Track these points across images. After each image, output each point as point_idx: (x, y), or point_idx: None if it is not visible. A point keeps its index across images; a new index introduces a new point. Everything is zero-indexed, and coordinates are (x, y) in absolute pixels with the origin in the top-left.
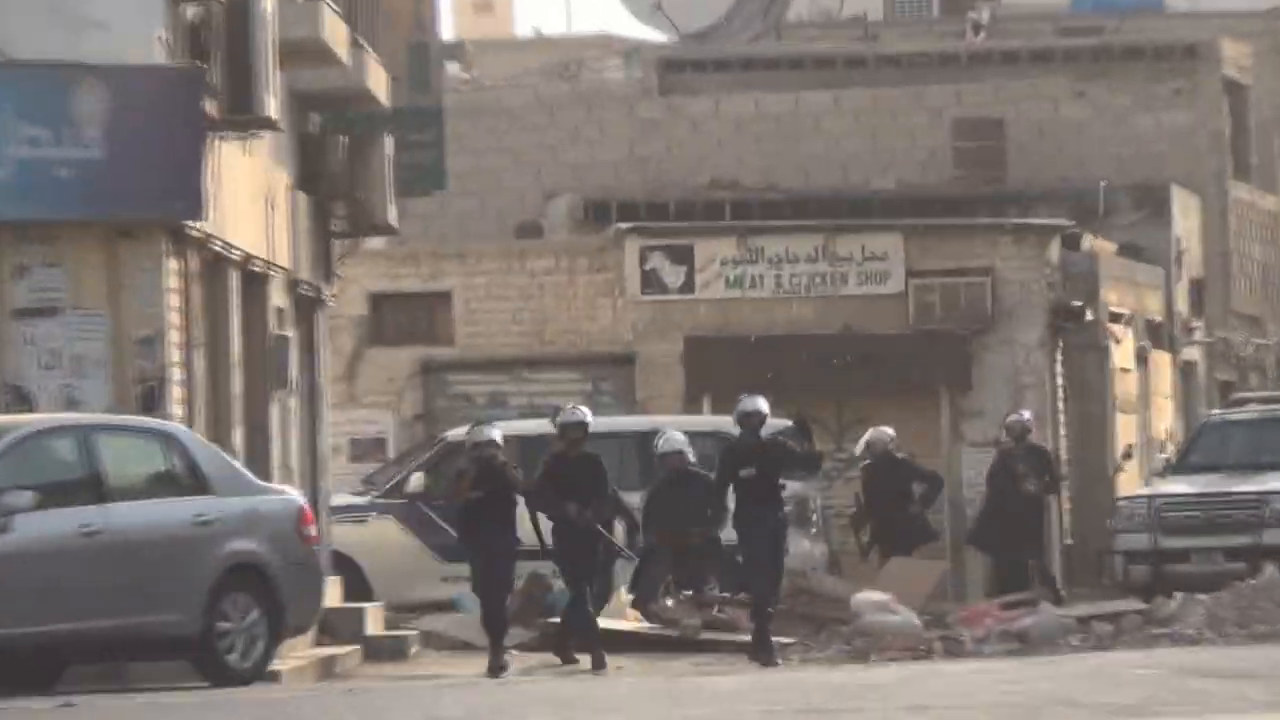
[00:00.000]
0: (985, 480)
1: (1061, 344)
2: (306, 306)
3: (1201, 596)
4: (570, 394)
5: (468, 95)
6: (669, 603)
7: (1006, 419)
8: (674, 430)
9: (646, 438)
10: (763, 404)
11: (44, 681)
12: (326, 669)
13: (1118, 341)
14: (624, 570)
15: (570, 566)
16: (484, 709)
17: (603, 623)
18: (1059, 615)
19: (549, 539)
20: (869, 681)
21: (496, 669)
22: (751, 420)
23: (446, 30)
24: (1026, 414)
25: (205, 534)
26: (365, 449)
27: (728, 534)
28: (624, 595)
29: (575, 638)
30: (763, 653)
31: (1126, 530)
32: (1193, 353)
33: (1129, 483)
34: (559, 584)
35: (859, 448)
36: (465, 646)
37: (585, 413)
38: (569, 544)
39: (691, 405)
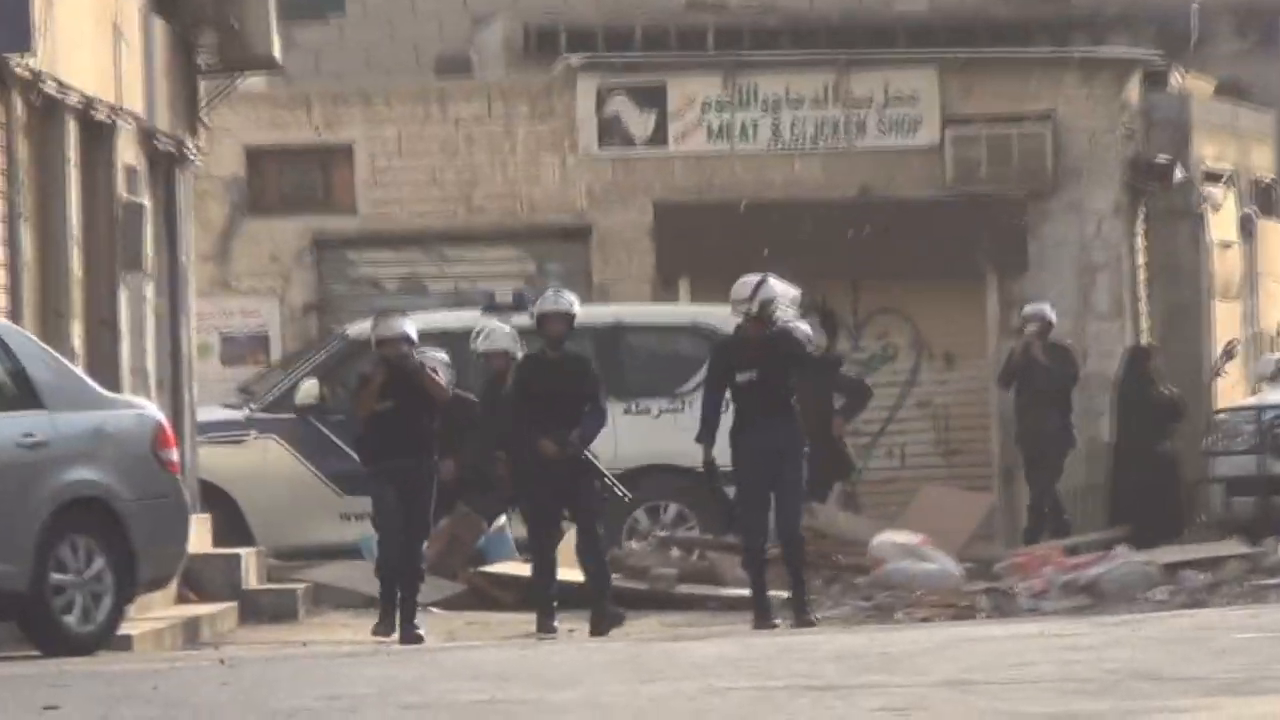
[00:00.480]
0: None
1: (1143, 211)
2: (166, 165)
3: None
4: (507, 276)
5: None
6: (634, 546)
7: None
8: (498, 323)
9: (607, 334)
10: (775, 286)
11: None
12: (191, 633)
13: (1216, 208)
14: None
15: (541, 515)
16: (398, 684)
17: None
18: (1140, 561)
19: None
20: (894, 648)
21: (385, 628)
22: (763, 309)
23: None
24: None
25: (34, 460)
26: (242, 349)
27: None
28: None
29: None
30: (801, 612)
31: (1227, 452)
32: None
33: (1231, 391)
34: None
35: None
36: (370, 604)
37: (570, 299)
38: (543, 483)
39: (664, 291)
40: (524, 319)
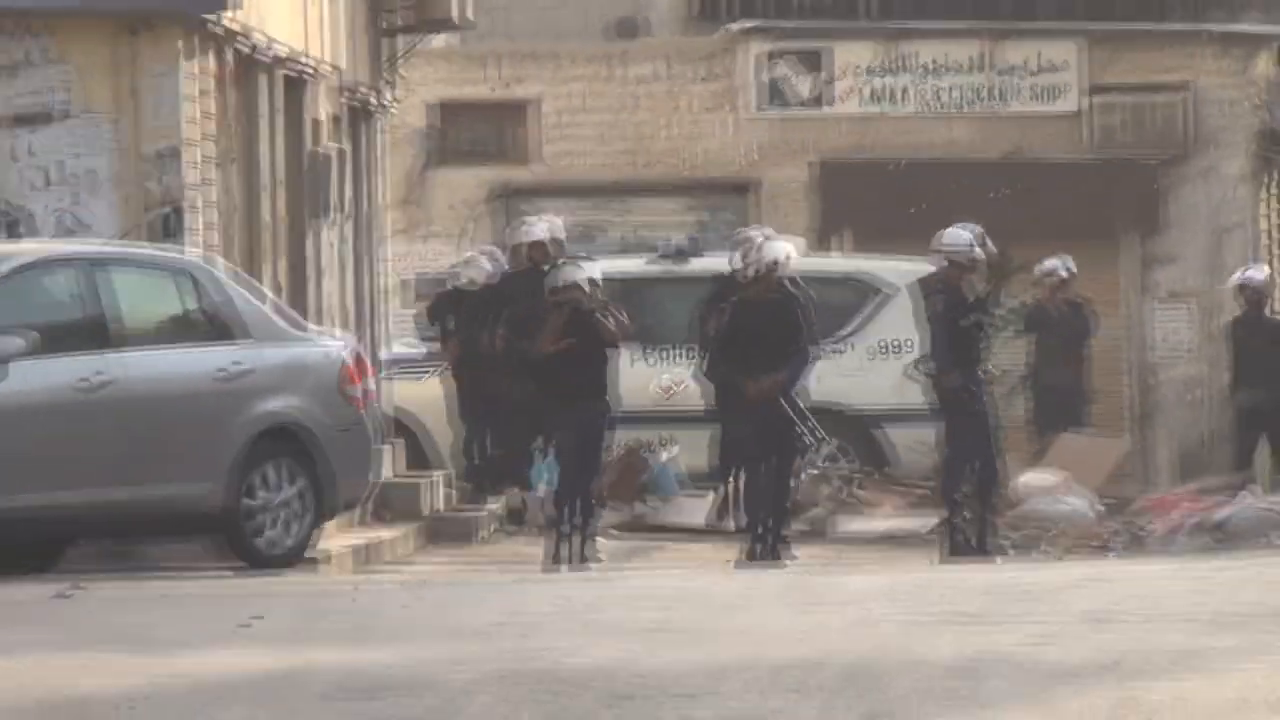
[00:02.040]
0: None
1: (1273, 177)
2: (358, 117)
3: None
4: (676, 226)
5: None
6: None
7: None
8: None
9: None
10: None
11: (41, 562)
12: (379, 554)
13: None
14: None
15: (736, 446)
16: (576, 605)
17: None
18: (1266, 505)
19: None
20: (1034, 583)
21: (557, 557)
22: (961, 255)
23: None
24: (1257, 271)
25: (233, 390)
26: (429, 289)
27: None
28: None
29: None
30: (983, 550)
31: None
32: None
33: None
34: (664, 455)
35: None
36: (545, 529)
37: (782, 247)
38: (742, 417)
39: (823, 243)
40: (695, 265)
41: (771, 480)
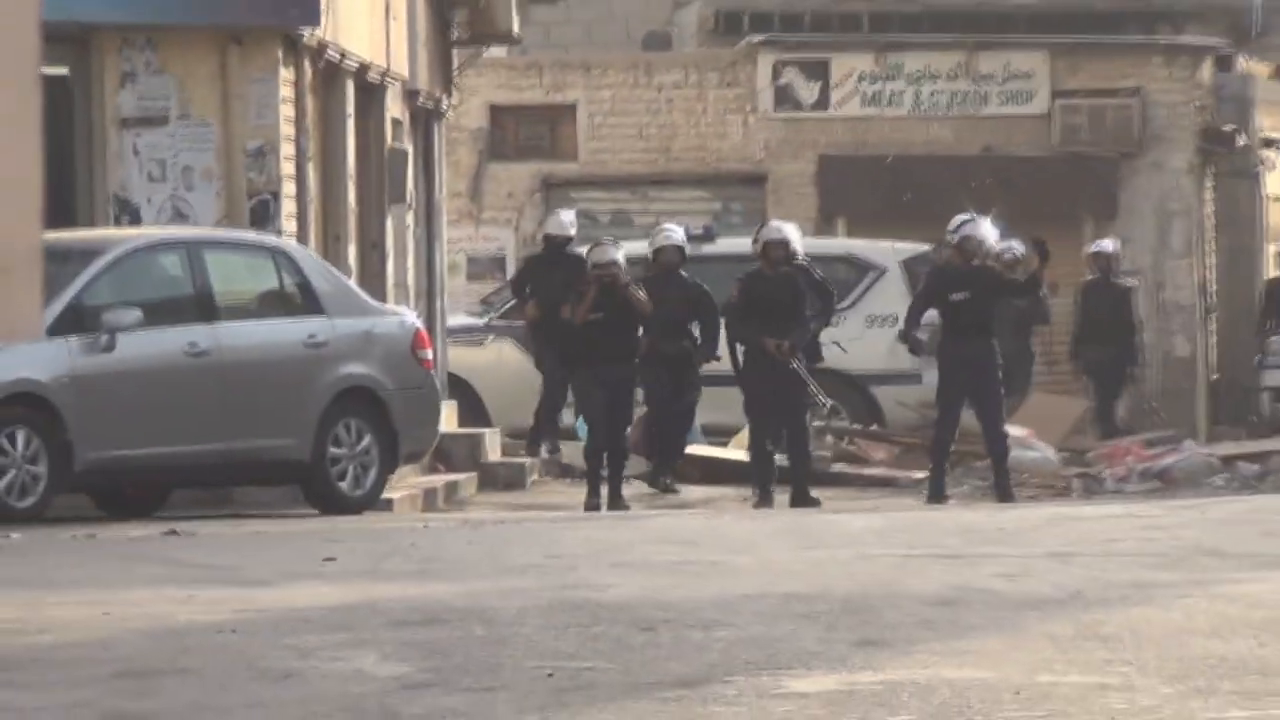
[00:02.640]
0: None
1: (1212, 170)
2: (424, 118)
3: None
4: (699, 214)
5: None
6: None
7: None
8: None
9: None
10: (989, 228)
11: (147, 507)
12: (442, 497)
13: (1271, 168)
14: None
15: (757, 401)
16: (608, 545)
17: (724, 454)
18: (1204, 454)
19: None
20: (1006, 524)
21: (592, 506)
22: (969, 245)
23: None
24: (1109, 242)
25: (317, 356)
26: (484, 268)
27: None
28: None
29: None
30: (1004, 494)
31: (1274, 366)
32: None
33: None
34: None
35: None
36: (584, 476)
37: (789, 229)
38: (760, 375)
39: (825, 227)
40: (717, 246)
41: (793, 434)
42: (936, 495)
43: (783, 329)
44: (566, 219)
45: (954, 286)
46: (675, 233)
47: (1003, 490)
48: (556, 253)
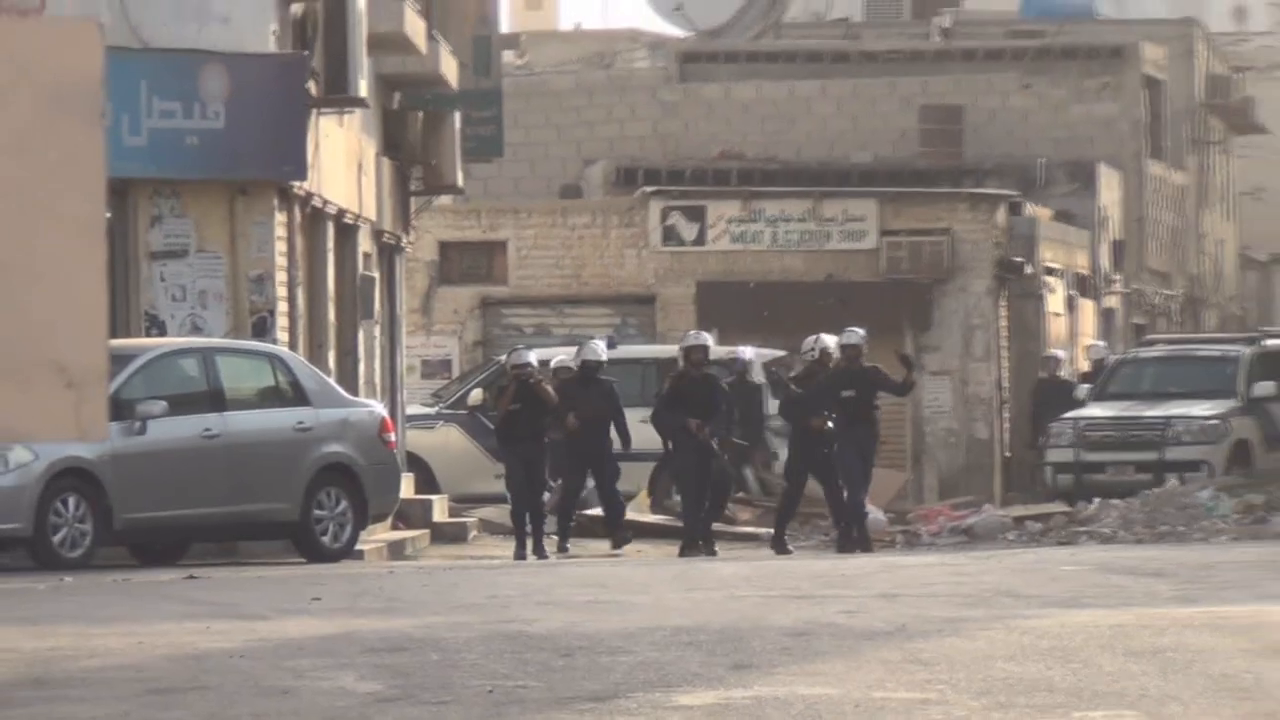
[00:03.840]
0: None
1: (1005, 292)
2: (388, 252)
3: (1115, 501)
4: (602, 327)
5: (521, 79)
6: (678, 498)
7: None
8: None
9: (665, 364)
10: (859, 334)
11: (171, 557)
12: (401, 549)
13: (1051, 291)
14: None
15: (686, 474)
16: (534, 588)
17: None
18: (999, 515)
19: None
20: (846, 571)
21: (520, 556)
22: (851, 351)
23: (504, 24)
24: (1060, 351)
25: (304, 438)
26: (434, 369)
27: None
28: (644, 492)
29: (698, 537)
30: (853, 545)
31: (1055, 446)
32: (1113, 301)
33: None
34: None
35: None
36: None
37: (707, 337)
38: (687, 455)
39: None
40: (615, 353)
41: (715, 496)
42: (846, 547)
43: (703, 416)
44: (599, 347)
45: (845, 385)
46: (599, 345)
47: (864, 542)
48: (590, 375)
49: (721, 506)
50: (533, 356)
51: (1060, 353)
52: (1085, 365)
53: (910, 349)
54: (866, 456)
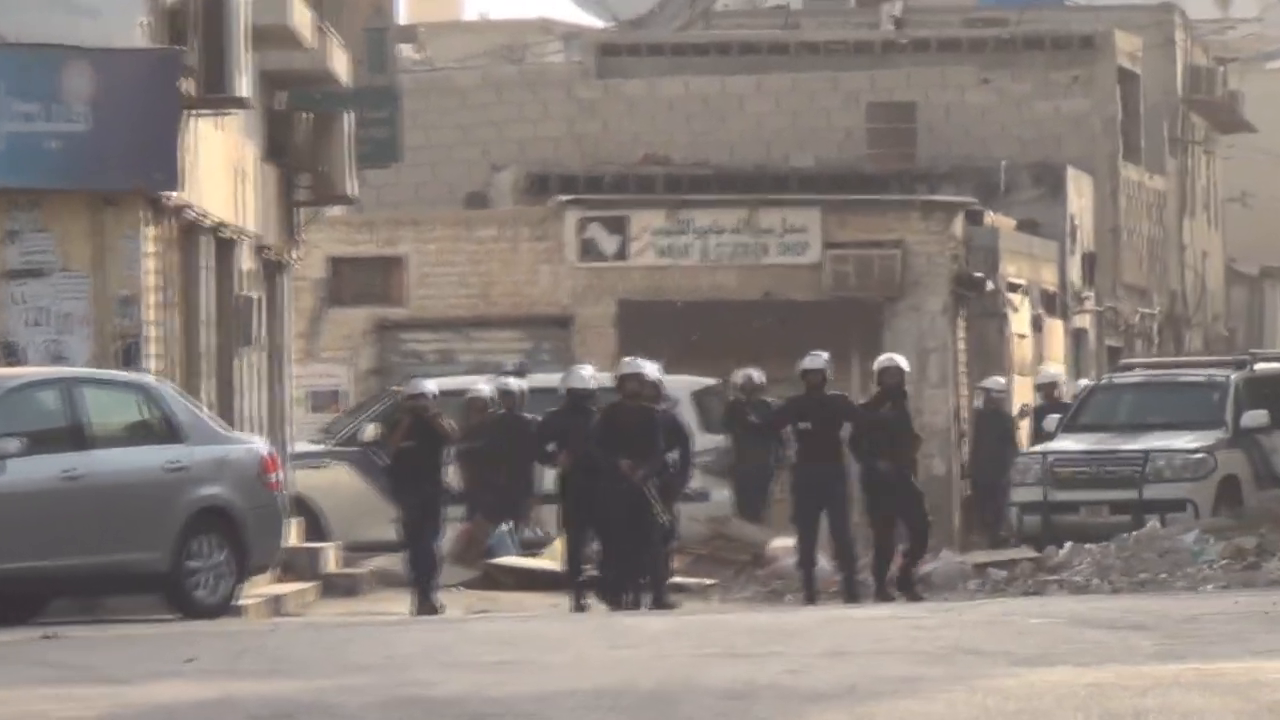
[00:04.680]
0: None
1: (964, 311)
2: (272, 269)
3: (1089, 546)
4: (513, 352)
5: (421, 75)
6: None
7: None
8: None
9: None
10: (822, 358)
11: (27, 613)
12: (286, 604)
13: (1015, 309)
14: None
15: (608, 525)
16: (437, 647)
17: (531, 564)
18: (959, 561)
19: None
20: (787, 625)
21: (425, 610)
22: (813, 377)
23: (401, 15)
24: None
25: (177, 479)
26: (324, 401)
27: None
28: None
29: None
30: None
31: (1021, 484)
32: (1084, 320)
33: (1023, 440)
34: (502, 527)
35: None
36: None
37: (645, 364)
38: (616, 501)
39: None
40: (524, 383)
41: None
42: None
43: (638, 455)
44: (586, 374)
45: (803, 415)
46: (585, 371)
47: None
48: (579, 405)
49: (665, 561)
50: (431, 386)
51: (998, 381)
52: (1030, 397)
53: (857, 377)
54: (831, 502)
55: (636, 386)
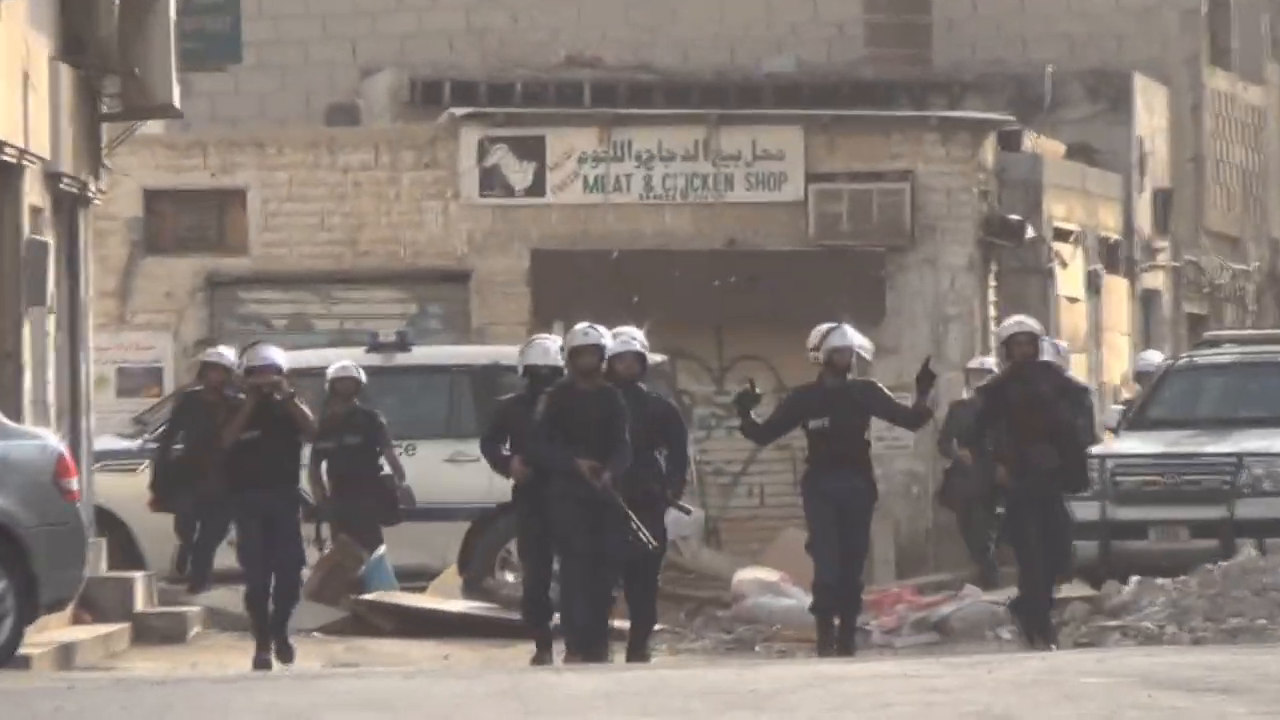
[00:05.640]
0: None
1: (995, 267)
2: (69, 205)
3: (1162, 581)
4: (390, 318)
5: None
6: (509, 577)
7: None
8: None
9: (483, 374)
10: (853, 335)
11: None
12: (88, 652)
13: (1064, 264)
14: None
15: (570, 546)
16: (290, 712)
17: (424, 602)
18: (988, 600)
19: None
20: (758, 685)
21: (262, 663)
22: (841, 358)
23: None
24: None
25: None
26: (138, 381)
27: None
28: (452, 568)
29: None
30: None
31: (1073, 497)
32: (1155, 279)
33: None
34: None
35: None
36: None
37: (602, 333)
38: (573, 513)
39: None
40: (408, 358)
41: (609, 580)
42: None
43: (598, 454)
44: (552, 347)
45: (816, 410)
46: (635, 340)
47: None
48: (541, 389)
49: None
50: (279, 357)
51: (986, 363)
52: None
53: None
54: (856, 518)
55: (593, 362)
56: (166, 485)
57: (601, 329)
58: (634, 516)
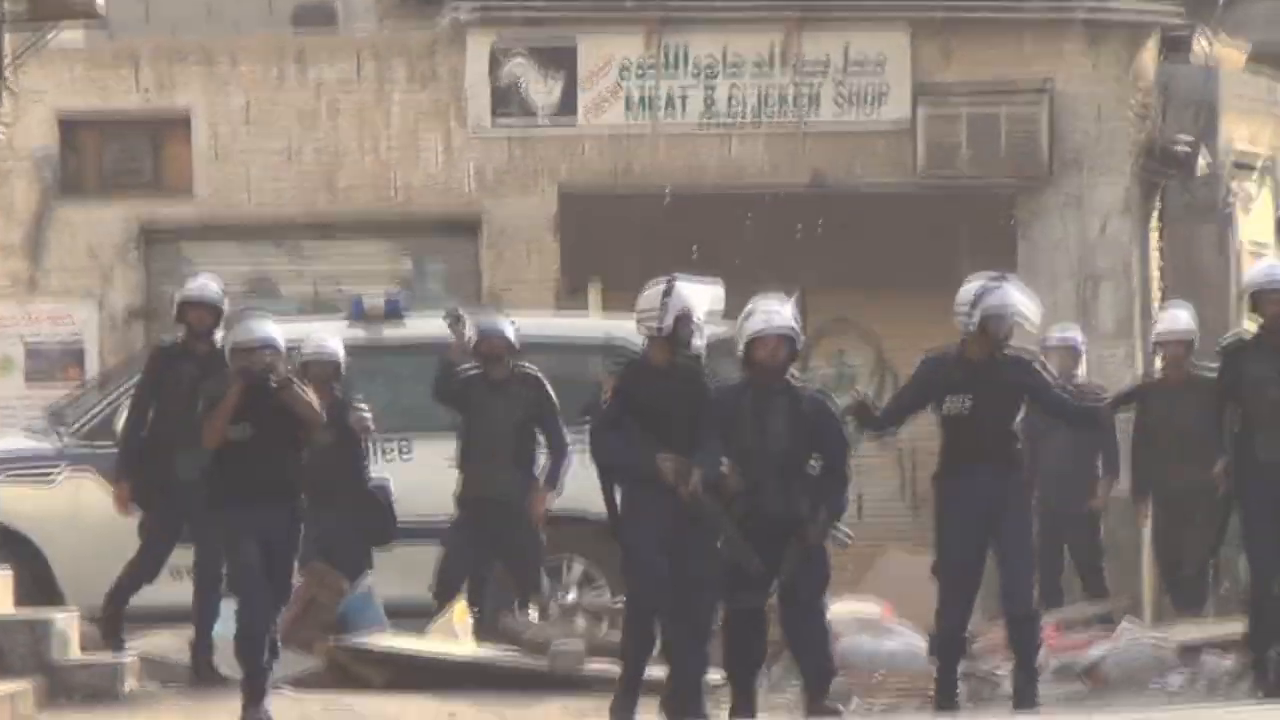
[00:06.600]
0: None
1: (1160, 207)
2: None
3: None
4: (379, 278)
5: None
6: (531, 615)
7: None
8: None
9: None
10: (684, 292)
11: None
12: None
13: (1247, 205)
14: None
15: (647, 568)
16: None
17: (423, 647)
18: (1150, 640)
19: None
20: None
21: None
22: (996, 326)
23: None
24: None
25: None
26: (51, 363)
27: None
28: (461, 604)
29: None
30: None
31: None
32: None
33: None
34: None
35: None
36: (221, 681)
37: (690, 295)
38: (647, 527)
39: (570, 298)
40: (402, 331)
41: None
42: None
43: (684, 448)
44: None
45: (954, 386)
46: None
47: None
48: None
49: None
50: (274, 331)
51: (1074, 335)
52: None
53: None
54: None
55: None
56: (139, 474)
57: (683, 289)
58: (731, 526)
